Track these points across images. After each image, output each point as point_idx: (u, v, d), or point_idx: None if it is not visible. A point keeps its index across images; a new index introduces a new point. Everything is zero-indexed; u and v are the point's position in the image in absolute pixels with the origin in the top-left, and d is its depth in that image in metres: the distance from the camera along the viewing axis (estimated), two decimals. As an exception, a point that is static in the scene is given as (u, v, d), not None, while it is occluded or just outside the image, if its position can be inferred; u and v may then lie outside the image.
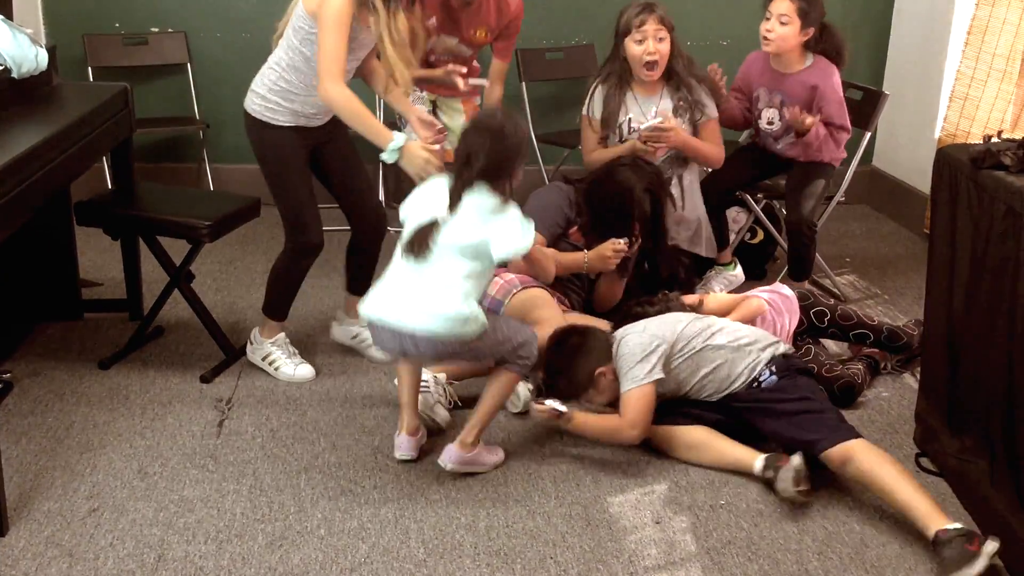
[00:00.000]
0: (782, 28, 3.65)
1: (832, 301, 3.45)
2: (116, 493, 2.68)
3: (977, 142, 2.96)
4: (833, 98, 3.78)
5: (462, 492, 2.72)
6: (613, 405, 2.89)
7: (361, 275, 3.40)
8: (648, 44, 3.48)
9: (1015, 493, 2.56)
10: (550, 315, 3.15)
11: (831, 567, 2.46)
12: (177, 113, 5.06)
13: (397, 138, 2.94)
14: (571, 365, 2.88)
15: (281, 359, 3.30)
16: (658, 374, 2.80)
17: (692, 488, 2.75)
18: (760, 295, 3.31)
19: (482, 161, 2.59)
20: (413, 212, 2.70)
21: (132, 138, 3.62)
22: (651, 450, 2.91)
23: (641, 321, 2.96)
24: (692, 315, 3.01)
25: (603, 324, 3.16)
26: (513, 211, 2.64)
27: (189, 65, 5.02)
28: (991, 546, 2.34)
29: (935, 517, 2.47)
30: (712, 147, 3.76)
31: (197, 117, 5.04)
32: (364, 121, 2.95)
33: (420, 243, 2.60)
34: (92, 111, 3.25)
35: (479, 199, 2.61)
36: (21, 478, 2.73)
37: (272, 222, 3.44)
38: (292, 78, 3.03)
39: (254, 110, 3.11)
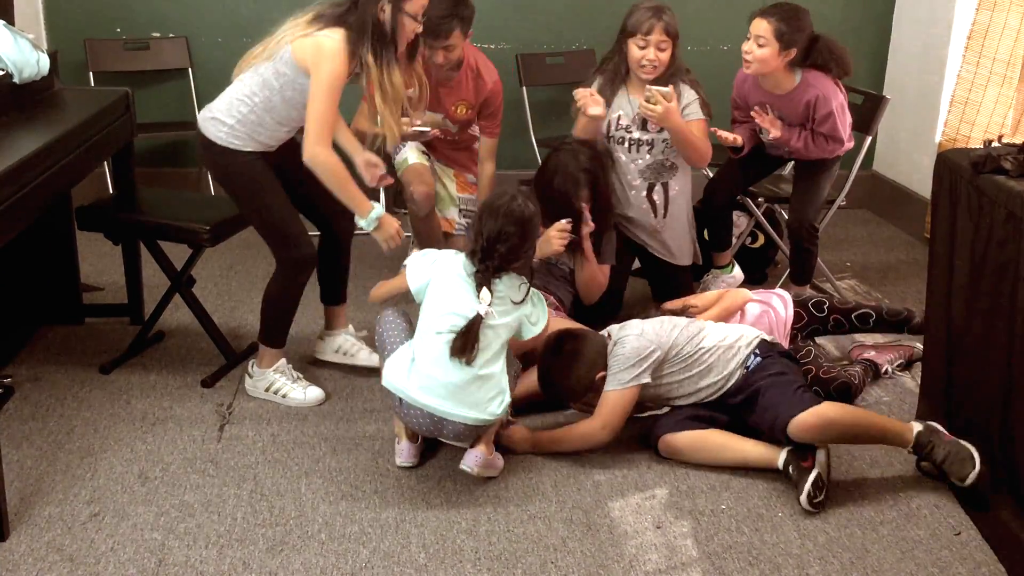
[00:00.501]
0: (760, 50, 3.58)
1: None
2: (117, 498, 2.68)
3: (978, 147, 2.97)
4: (823, 110, 3.68)
5: (463, 496, 2.72)
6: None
7: (338, 283, 3.38)
8: (649, 51, 3.50)
9: (1014, 497, 2.57)
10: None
11: (832, 572, 2.45)
12: (178, 118, 5.07)
13: (376, 208, 2.97)
14: (570, 371, 2.88)
15: (287, 385, 3.18)
16: (644, 379, 2.83)
17: (693, 493, 2.75)
18: (751, 295, 3.33)
19: (505, 249, 2.67)
20: (440, 297, 2.71)
21: (133, 143, 3.63)
22: (653, 455, 2.91)
23: (638, 322, 2.97)
24: (685, 320, 3.02)
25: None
26: (534, 292, 2.80)
27: (190, 70, 5.03)
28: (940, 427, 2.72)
29: (904, 431, 2.74)
30: (701, 141, 3.63)
31: (198, 122, 5.04)
32: (347, 188, 2.94)
33: (470, 344, 2.63)
34: (93, 116, 3.25)
35: (510, 289, 2.73)
36: (22, 482, 2.73)
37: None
38: (266, 117, 2.97)
39: (219, 138, 2.99)
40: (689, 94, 3.60)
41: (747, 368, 2.88)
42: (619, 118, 3.64)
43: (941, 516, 2.65)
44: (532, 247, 2.79)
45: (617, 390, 2.83)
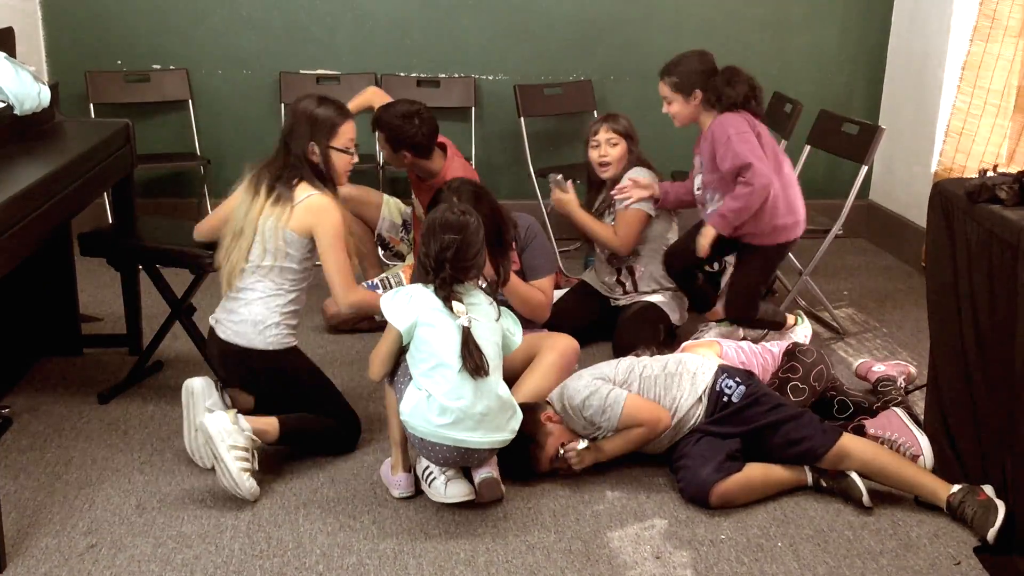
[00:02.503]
0: (669, 107, 3.61)
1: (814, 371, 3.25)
2: (114, 529, 2.67)
3: (973, 176, 2.98)
4: (719, 139, 3.48)
5: (461, 527, 2.71)
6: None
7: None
8: (601, 148, 3.86)
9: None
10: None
11: (832, 602, 2.45)
12: (178, 149, 5.10)
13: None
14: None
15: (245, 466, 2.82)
16: (624, 390, 2.89)
17: (692, 523, 2.75)
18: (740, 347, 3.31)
19: (451, 255, 2.69)
20: (431, 333, 2.68)
21: (133, 174, 3.64)
22: (651, 484, 2.90)
23: (574, 376, 3.03)
24: (619, 359, 3.08)
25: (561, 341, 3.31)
26: (503, 308, 2.86)
27: (190, 102, 5.06)
28: (990, 489, 2.68)
29: (939, 488, 2.76)
30: (606, 230, 3.89)
31: (198, 153, 5.08)
32: (374, 306, 2.92)
33: (476, 356, 2.65)
34: (94, 147, 3.27)
35: (483, 305, 2.77)
36: (19, 513, 2.72)
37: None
38: (298, 295, 3.00)
39: (270, 343, 2.94)
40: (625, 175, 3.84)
41: (727, 397, 2.90)
42: (593, 212, 3.96)
43: (941, 546, 2.65)
44: (479, 251, 2.75)
45: (625, 405, 2.85)
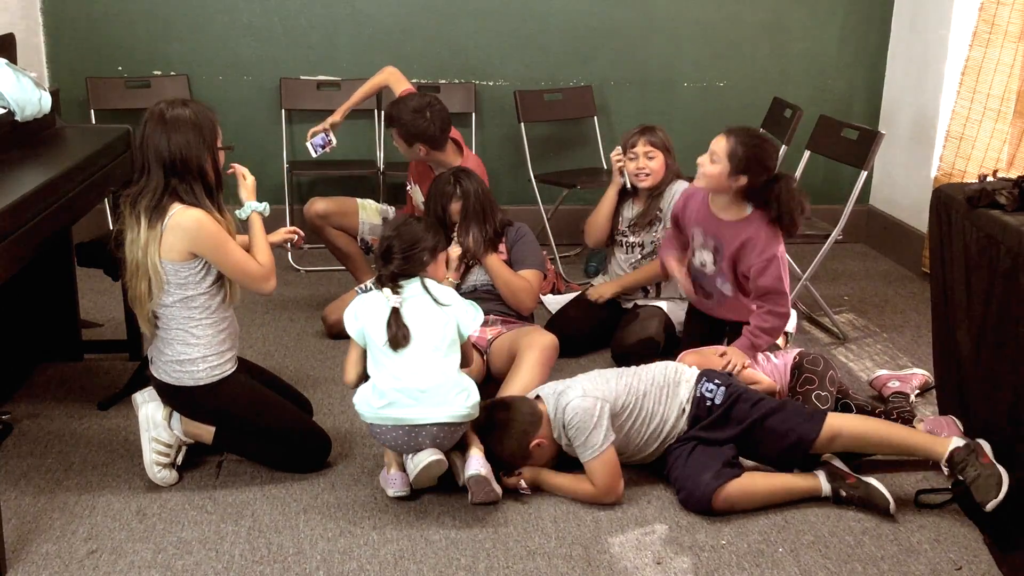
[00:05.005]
0: (711, 165, 3.22)
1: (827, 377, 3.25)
2: (115, 535, 2.67)
3: (973, 181, 2.99)
4: (763, 252, 3.22)
5: (462, 533, 2.71)
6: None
7: None
8: (640, 161, 3.83)
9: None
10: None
11: (833, 607, 2.44)
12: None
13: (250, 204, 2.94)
14: (503, 442, 2.88)
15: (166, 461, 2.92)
16: (611, 435, 2.81)
17: (693, 528, 2.74)
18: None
19: (397, 251, 2.90)
20: (372, 327, 2.84)
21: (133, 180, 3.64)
22: (651, 489, 2.90)
23: (575, 381, 2.94)
24: (616, 371, 3.00)
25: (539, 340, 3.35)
26: (468, 301, 2.96)
27: (191, 107, 5.06)
28: (988, 447, 2.70)
29: (937, 444, 2.77)
30: (650, 270, 3.87)
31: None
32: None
33: (397, 330, 2.79)
34: (94, 153, 3.27)
35: (432, 291, 2.90)
36: (20, 519, 2.72)
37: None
38: (216, 320, 2.83)
39: (200, 379, 2.82)
40: (676, 192, 3.80)
41: (711, 401, 2.89)
42: (620, 222, 3.95)
43: (942, 551, 2.64)
44: (422, 249, 2.93)
45: (596, 457, 2.80)
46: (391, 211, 4.29)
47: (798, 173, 4.34)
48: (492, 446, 2.88)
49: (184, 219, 2.70)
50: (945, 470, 2.75)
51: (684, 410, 2.90)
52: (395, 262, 2.91)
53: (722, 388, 2.91)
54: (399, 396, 2.77)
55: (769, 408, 2.87)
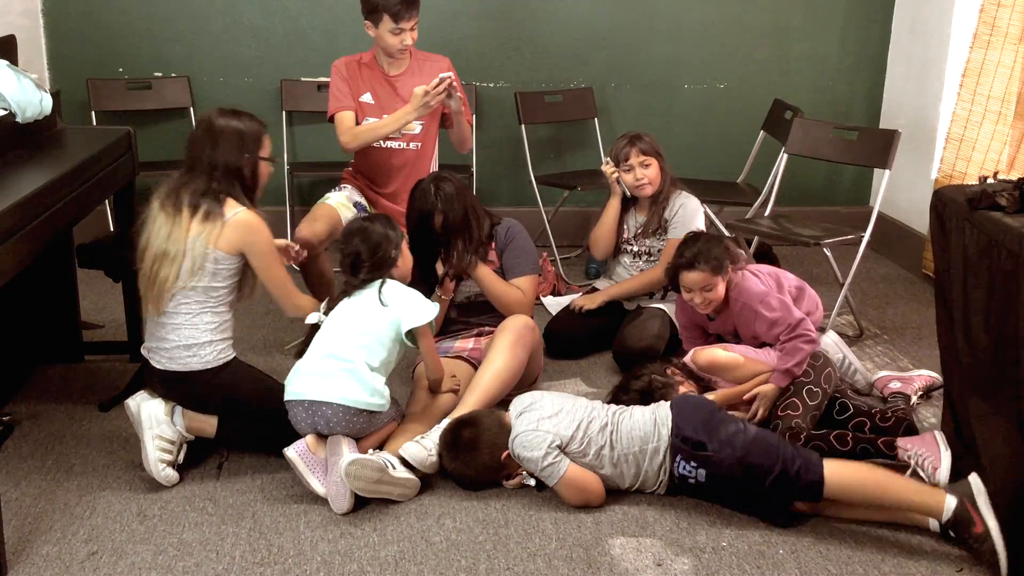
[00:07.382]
0: (706, 294, 3.29)
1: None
2: (115, 536, 2.67)
3: (973, 183, 2.99)
4: (773, 315, 3.23)
5: (463, 535, 2.71)
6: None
7: None
8: (636, 172, 3.82)
9: None
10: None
11: (834, 609, 2.44)
12: (180, 157, 4.98)
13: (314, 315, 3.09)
14: (471, 462, 2.87)
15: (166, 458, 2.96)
16: (565, 462, 2.78)
17: (693, 529, 2.74)
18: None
19: (365, 252, 3.01)
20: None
21: (135, 182, 3.65)
22: (649, 492, 2.91)
23: (543, 400, 2.90)
24: (593, 407, 2.90)
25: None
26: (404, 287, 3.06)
27: (192, 109, 5.06)
28: (978, 488, 2.59)
29: (931, 506, 2.64)
30: (651, 275, 3.85)
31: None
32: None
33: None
34: (95, 155, 3.28)
35: (365, 291, 3.00)
36: (20, 521, 2.72)
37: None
38: (226, 310, 2.96)
39: (207, 362, 2.91)
40: (679, 204, 3.85)
41: (694, 479, 2.77)
42: (625, 231, 3.97)
43: (942, 553, 2.64)
44: (387, 249, 3.03)
45: (559, 482, 2.79)
46: (356, 194, 4.04)
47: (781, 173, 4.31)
48: (464, 465, 2.87)
49: (248, 219, 2.90)
50: (949, 532, 2.65)
51: (660, 478, 2.83)
52: (364, 271, 3.02)
53: (701, 470, 2.76)
54: (300, 372, 2.92)
55: (749, 486, 2.72)
